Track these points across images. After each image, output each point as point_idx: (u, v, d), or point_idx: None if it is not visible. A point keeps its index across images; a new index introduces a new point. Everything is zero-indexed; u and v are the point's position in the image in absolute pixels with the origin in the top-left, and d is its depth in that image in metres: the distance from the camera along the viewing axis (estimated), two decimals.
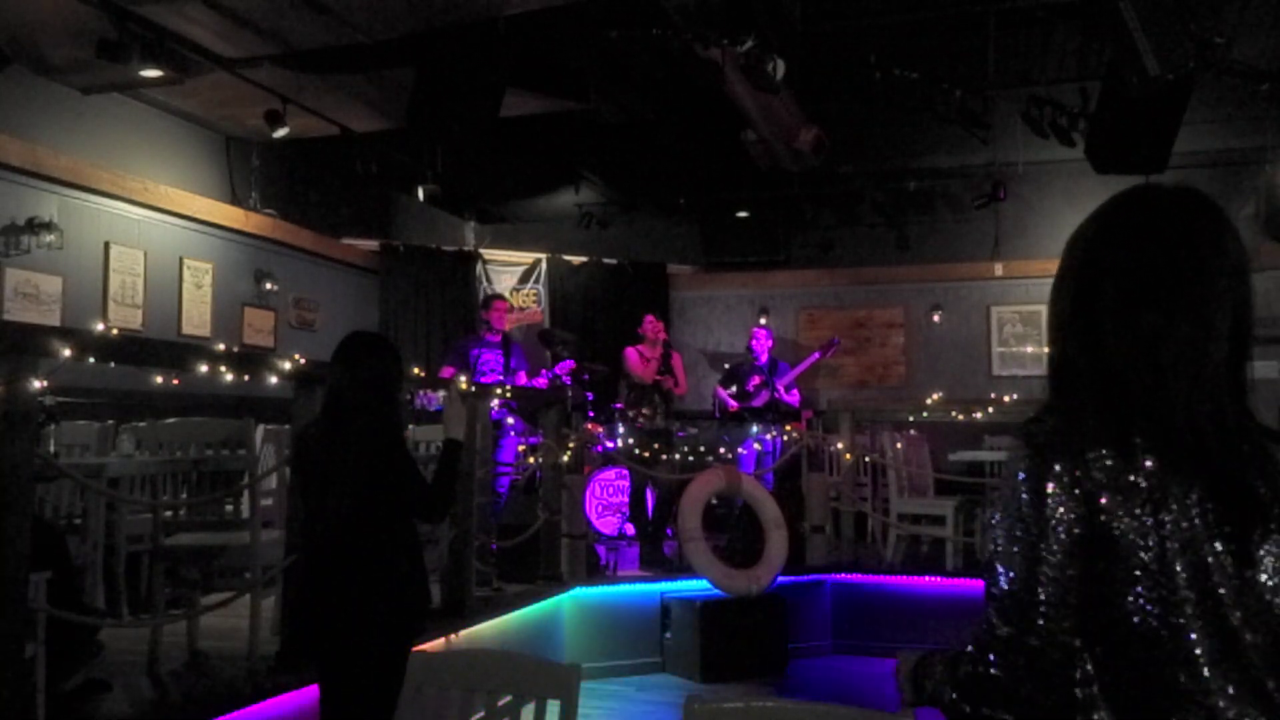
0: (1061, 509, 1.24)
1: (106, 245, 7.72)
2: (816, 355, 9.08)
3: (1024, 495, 1.26)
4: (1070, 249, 1.42)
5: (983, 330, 10.82)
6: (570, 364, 8.07)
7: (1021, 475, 1.27)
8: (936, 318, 10.87)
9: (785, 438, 8.29)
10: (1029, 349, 10.65)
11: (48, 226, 7.11)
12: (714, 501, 7.41)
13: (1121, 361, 1.31)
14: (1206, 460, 1.25)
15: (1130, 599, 1.23)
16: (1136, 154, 7.23)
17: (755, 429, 8.48)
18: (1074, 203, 10.29)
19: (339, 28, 6.50)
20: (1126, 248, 1.35)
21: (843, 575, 7.32)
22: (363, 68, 7.28)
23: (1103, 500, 1.23)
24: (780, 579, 6.83)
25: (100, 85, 7.41)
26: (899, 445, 7.86)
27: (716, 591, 6.60)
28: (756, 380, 8.74)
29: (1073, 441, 1.26)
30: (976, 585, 6.98)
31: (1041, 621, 1.23)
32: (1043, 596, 1.23)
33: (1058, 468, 1.25)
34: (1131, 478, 1.23)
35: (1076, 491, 1.24)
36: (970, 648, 1.31)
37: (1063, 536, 1.23)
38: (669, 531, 7.58)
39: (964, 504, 7.52)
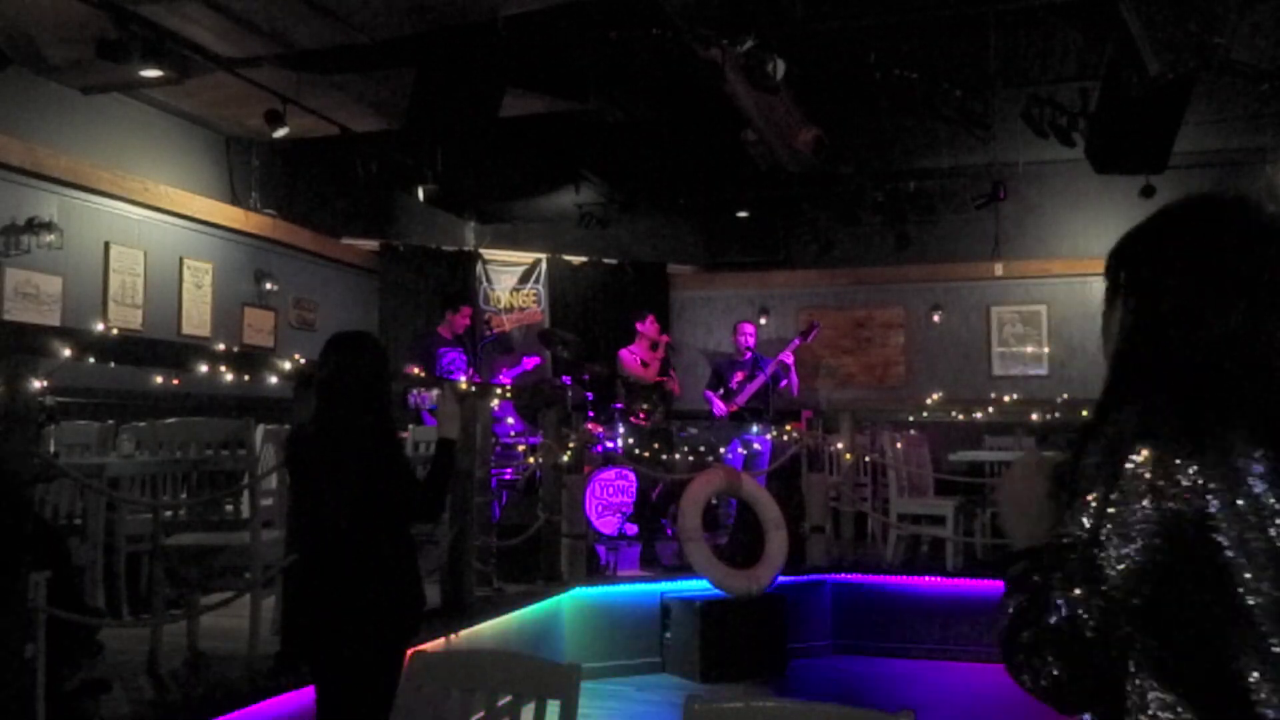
0: (1143, 509, 1.20)
1: (106, 245, 7.72)
2: (797, 341, 9.08)
3: (1102, 487, 1.23)
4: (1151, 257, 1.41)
5: (983, 330, 10.82)
6: (537, 360, 8.08)
7: (1096, 463, 1.24)
8: (936, 318, 10.87)
9: (778, 438, 8.29)
10: (1029, 349, 10.65)
11: (48, 226, 7.11)
12: (714, 501, 7.42)
13: (1214, 357, 1.30)
14: None
15: (1236, 596, 1.19)
16: (1136, 154, 7.24)
17: (755, 428, 8.47)
18: (1074, 203, 10.31)
19: (339, 28, 6.50)
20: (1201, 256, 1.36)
21: (843, 575, 7.32)
22: (363, 68, 7.28)
23: (1189, 500, 1.19)
24: (780, 579, 6.83)
25: (100, 85, 7.41)
26: (899, 445, 7.86)
27: (716, 591, 6.60)
28: (739, 376, 8.73)
29: (1154, 435, 1.22)
30: (976, 585, 6.99)
31: (1102, 604, 1.19)
32: (1111, 596, 1.20)
33: (1137, 460, 1.21)
34: (1223, 472, 1.20)
35: (1159, 493, 1.20)
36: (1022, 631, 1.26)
37: (1141, 539, 1.20)
38: (669, 531, 7.58)
39: (964, 504, 7.52)
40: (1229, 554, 1.19)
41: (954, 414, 8.51)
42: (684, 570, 6.84)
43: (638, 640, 6.66)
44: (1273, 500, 1.20)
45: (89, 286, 7.55)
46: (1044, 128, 7.60)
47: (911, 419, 9.01)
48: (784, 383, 8.79)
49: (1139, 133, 6.99)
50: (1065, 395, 8.93)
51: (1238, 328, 1.29)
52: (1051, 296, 10.56)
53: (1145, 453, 1.21)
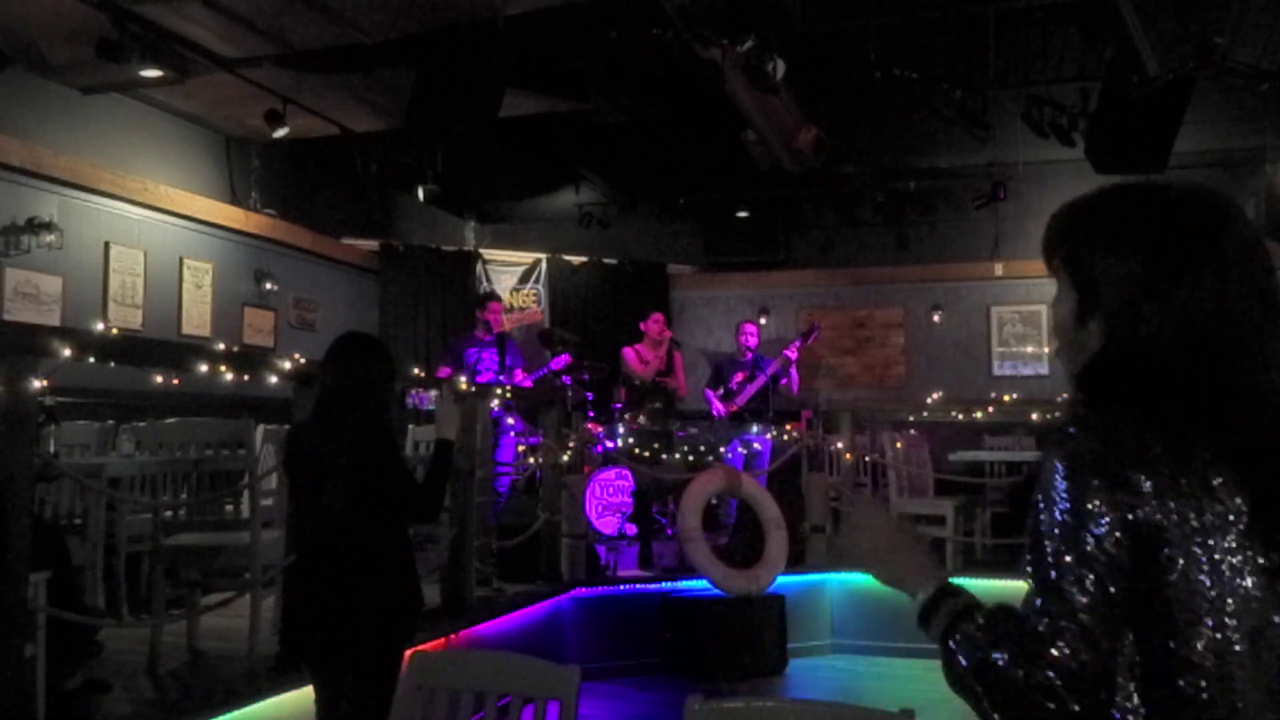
0: (1102, 528, 1.17)
1: (106, 245, 7.71)
2: (798, 343, 9.07)
3: (1061, 511, 1.20)
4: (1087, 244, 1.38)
5: (983, 330, 10.82)
6: (566, 358, 8.05)
7: (1061, 489, 1.21)
8: (936, 318, 10.86)
9: (778, 438, 8.28)
10: (1029, 349, 10.65)
11: (48, 226, 7.11)
12: (714, 501, 7.42)
13: (1165, 358, 1.26)
14: (1257, 467, 1.18)
15: (1185, 627, 1.16)
16: (1136, 154, 7.23)
17: (755, 428, 8.47)
18: None
19: (339, 28, 6.50)
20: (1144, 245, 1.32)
21: (843, 575, 7.32)
22: (363, 68, 7.28)
23: (1150, 519, 1.17)
24: (780, 579, 6.83)
25: (100, 85, 7.41)
26: (899, 445, 7.86)
27: (716, 591, 6.60)
28: (740, 376, 8.72)
29: (1112, 457, 1.19)
30: (976, 585, 6.99)
31: (1085, 640, 1.16)
32: (1085, 620, 1.16)
33: (1096, 483, 1.18)
34: (1178, 494, 1.17)
35: (1117, 511, 1.18)
36: (1003, 653, 1.20)
37: (1104, 556, 1.17)
38: (669, 531, 7.58)
39: (964, 504, 7.51)
40: (1181, 566, 1.17)
41: (954, 414, 8.51)
42: (684, 570, 6.84)
43: (638, 640, 6.66)
44: (1226, 521, 1.17)
45: (89, 286, 7.55)
46: (1044, 128, 7.61)
47: (911, 419, 9.01)
48: (784, 380, 8.78)
49: (1139, 133, 6.99)
50: (1065, 395, 8.91)
51: (1195, 327, 1.25)
52: (1051, 296, 10.55)
53: (1105, 473, 1.19)
